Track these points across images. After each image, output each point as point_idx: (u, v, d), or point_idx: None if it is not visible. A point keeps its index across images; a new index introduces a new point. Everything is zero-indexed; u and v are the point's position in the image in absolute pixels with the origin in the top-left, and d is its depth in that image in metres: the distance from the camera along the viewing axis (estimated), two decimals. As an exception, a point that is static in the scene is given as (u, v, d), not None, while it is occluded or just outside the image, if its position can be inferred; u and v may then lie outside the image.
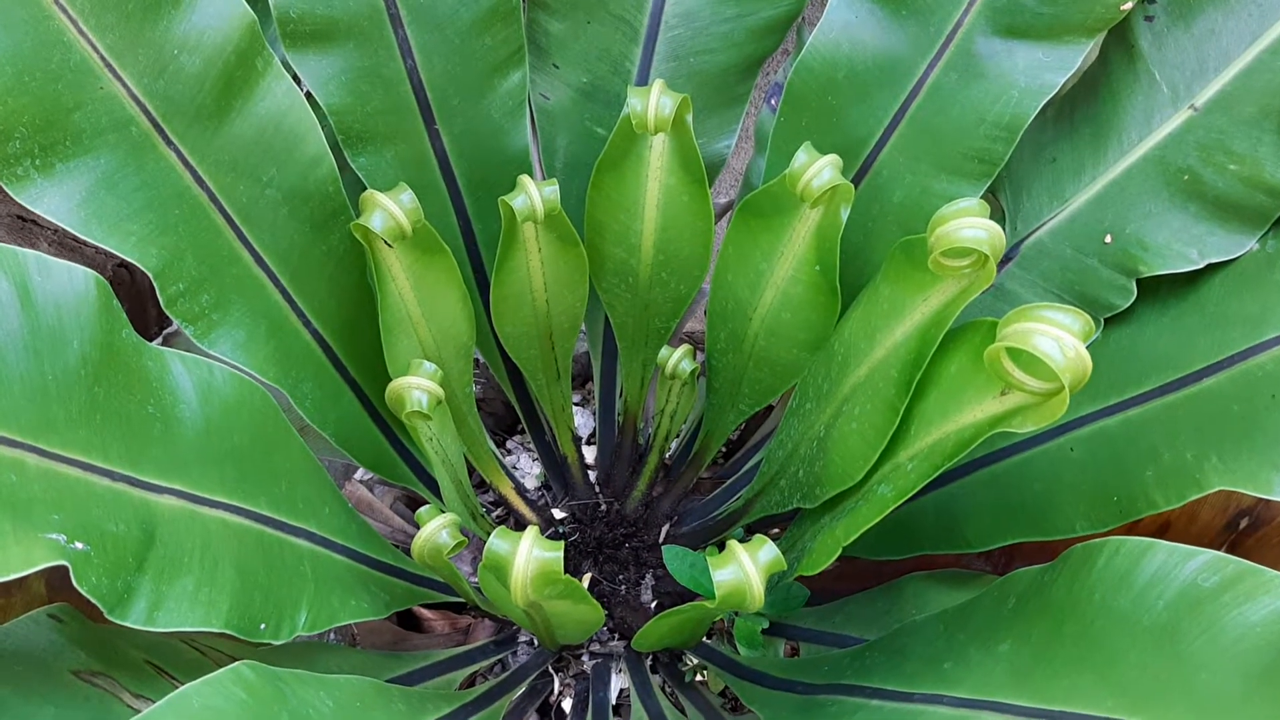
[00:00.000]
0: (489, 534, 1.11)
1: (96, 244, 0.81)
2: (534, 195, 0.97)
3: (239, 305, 0.90)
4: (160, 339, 1.18)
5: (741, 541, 0.80)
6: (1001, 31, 0.93)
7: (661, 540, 1.19)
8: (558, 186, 0.98)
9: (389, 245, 0.92)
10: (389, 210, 0.91)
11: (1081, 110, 0.97)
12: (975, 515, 0.95)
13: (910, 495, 0.76)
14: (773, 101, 1.14)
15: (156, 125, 0.84)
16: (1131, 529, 0.83)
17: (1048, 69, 0.92)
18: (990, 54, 0.93)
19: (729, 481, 1.22)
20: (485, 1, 0.98)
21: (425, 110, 1.01)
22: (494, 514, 1.25)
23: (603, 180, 1.03)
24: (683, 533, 1.20)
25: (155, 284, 0.84)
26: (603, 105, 1.09)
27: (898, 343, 0.87)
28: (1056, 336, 0.68)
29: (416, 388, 0.91)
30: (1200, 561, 0.69)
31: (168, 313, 0.85)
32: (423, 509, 0.92)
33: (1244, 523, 1.02)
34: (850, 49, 0.97)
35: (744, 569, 0.78)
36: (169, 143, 0.85)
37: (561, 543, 0.79)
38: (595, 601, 0.87)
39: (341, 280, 0.99)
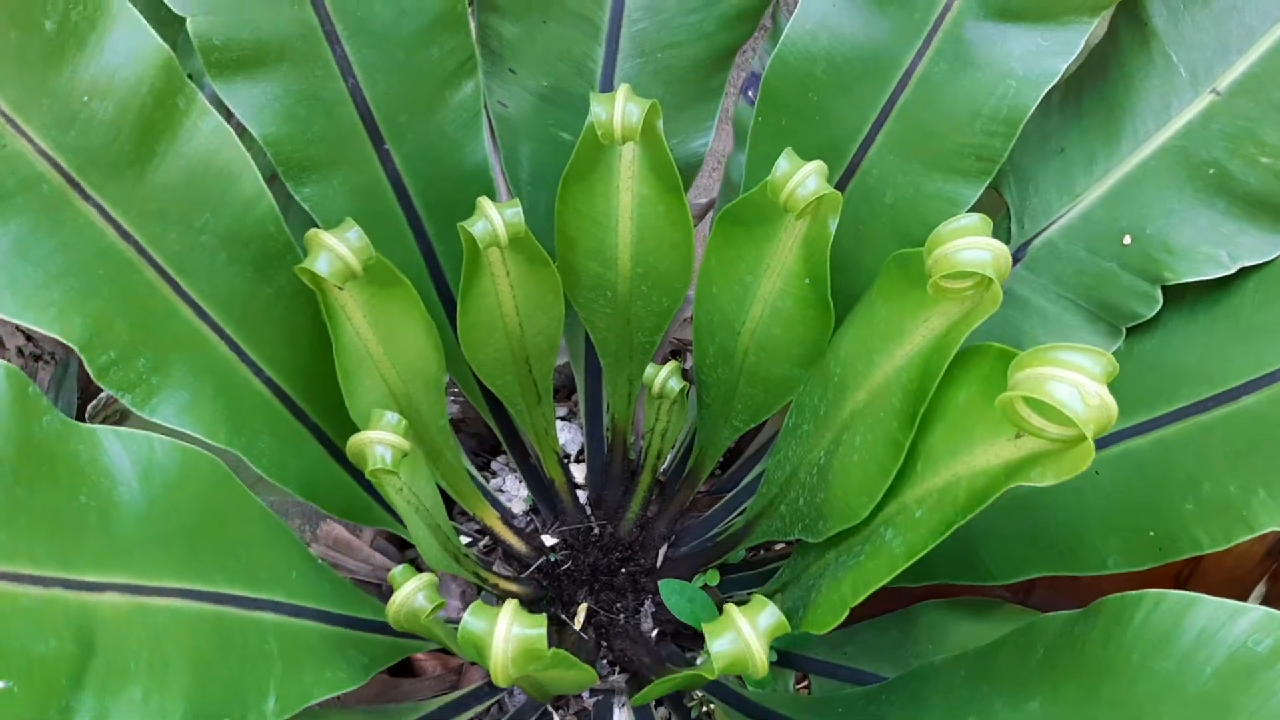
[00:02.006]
0: (474, 574, 1.06)
1: (11, 320, 0.73)
2: (495, 219, 0.89)
3: (180, 364, 0.83)
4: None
5: (734, 589, 0.73)
6: (994, 15, 0.84)
7: (659, 563, 1.13)
8: (520, 207, 0.90)
9: (339, 287, 0.85)
10: (335, 250, 0.83)
11: (1090, 94, 0.88)
12: (995, 543, 0.88)
13: (922, 553, 0.68)
14: (750, 93, 1.06)
15: (71, 180, 0.76)
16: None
17: (1048, 54, 0.83)
18: (983, 40, 0.85)
19: (727, 497, 1.15)
20: (429, 11, 0.90)
21: (372, 131, 0.93)
22: (480, 544, 1.19)
23: (570, 193, 0.95)
24: (681, 554, 1.13)
25: (82, 356, 0.76)
26: (566, 109, 1.01)
27: (898, 368, 0.79)
28: (1076, 383, 0.61)
29: (379, 443, 0.84)
30: (1251, 621, 0.62)
31: (99, 384, 0.78)
32: (395, 570, 0.86)
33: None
34: (829, 41, 0.89)
35: (743, 637, 0.72)
36: (86, 198, 0.77)
37: (543, 617, 0.73)
38: (587, 666, 0.80)
39: (294, 322, 0.92)
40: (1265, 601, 0.81)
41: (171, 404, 0.82)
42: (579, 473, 1.21)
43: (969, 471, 0.70)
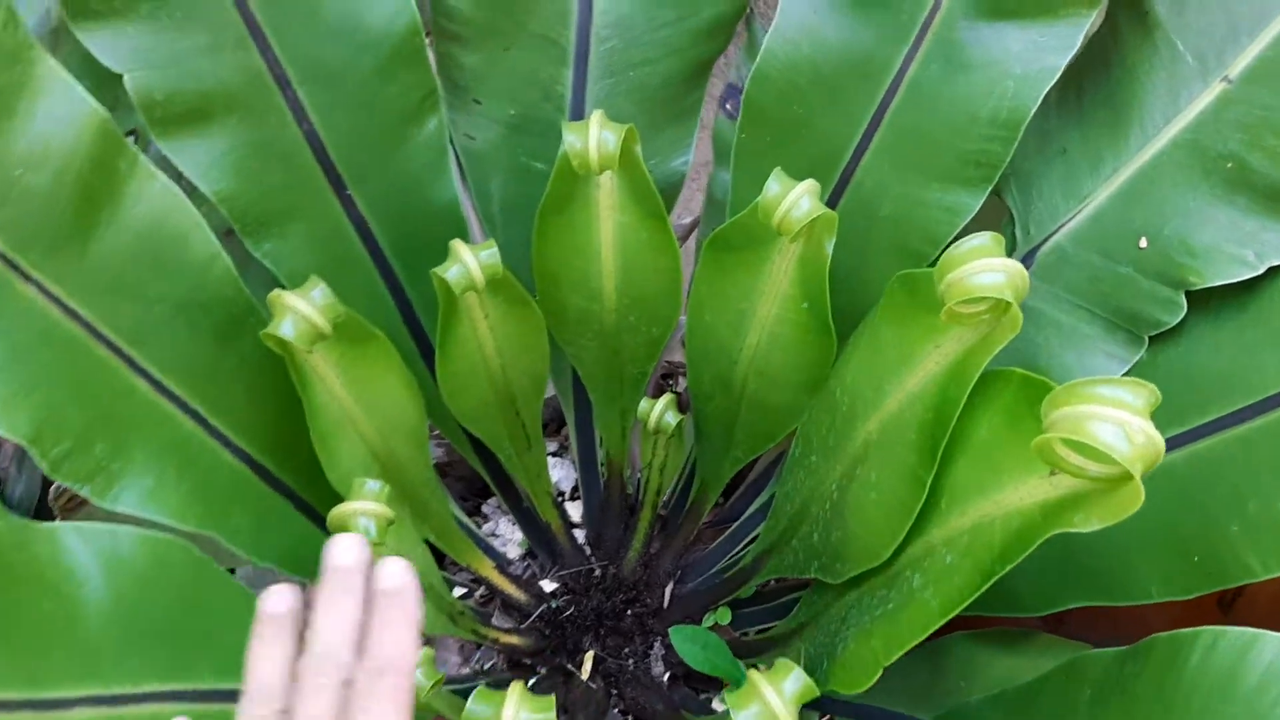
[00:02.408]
0: (472, 631, 1.00)
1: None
2: (470, 262, 0.83)
3: (142, 446, 0.77)
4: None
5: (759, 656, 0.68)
6: (986, 13, 0.79)
7: (666, 603, 1.07)
8: (496, 248, 0.84)
9: (308, 351, 0.79)
10: (300, 312, 0.77)
11: (1091, 90, 0.83)
12: (1027, 572, 0.82)
13: (959, 608, 0.63)
14: (728, 105, 1.00)
15: (8, 261, 0.70)
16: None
17: (1046, 51, 0.78)
18: (976, 40, 0.79)
19: (732, 528, 1.10)
20: (385, 46, 0.84)
21: (333, 177, 0.87)
22: (476, 594, 1.13)
23: (548, 226, 0.90)
24: (688, 591, 1.08)
25: (32, 453, 0.70)
26: (537, 137, 0.95)
27: (912, 396, 0.74)
28: (1118, 420, 0.56)
29: (362, 514, 0.78)
30: (1325, 656, 0.58)
31: (53, 478, 0.72)
32: (390, 647, 0.80)
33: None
34: (812, 49, 0.83)
35: (770, 708, 0.66)
36: (26, 278, 0.71)
37: (551, 699, 0.67)
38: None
39: (262, 387, 0.86)
40: None
41: (135, 490, 0.76)
42: (575, 511, 1.16)
43: (1001, 512, 0.64)
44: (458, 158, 0.95)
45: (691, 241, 1.09)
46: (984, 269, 0.66)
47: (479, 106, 0.94)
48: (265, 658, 0.51)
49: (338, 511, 0.79)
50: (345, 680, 0.49)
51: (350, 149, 0.86)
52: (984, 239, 0.67)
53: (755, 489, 1.12)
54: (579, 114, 0.95)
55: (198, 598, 0.77)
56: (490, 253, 0.85)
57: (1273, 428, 0.71)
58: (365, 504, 0.79)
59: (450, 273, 0.83)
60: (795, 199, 0.78)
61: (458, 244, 0.84)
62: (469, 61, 0.92)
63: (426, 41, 0.85)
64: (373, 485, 0.80)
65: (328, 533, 0.91)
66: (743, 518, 1.09)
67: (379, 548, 0.79)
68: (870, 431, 0.78)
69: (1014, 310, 0.66)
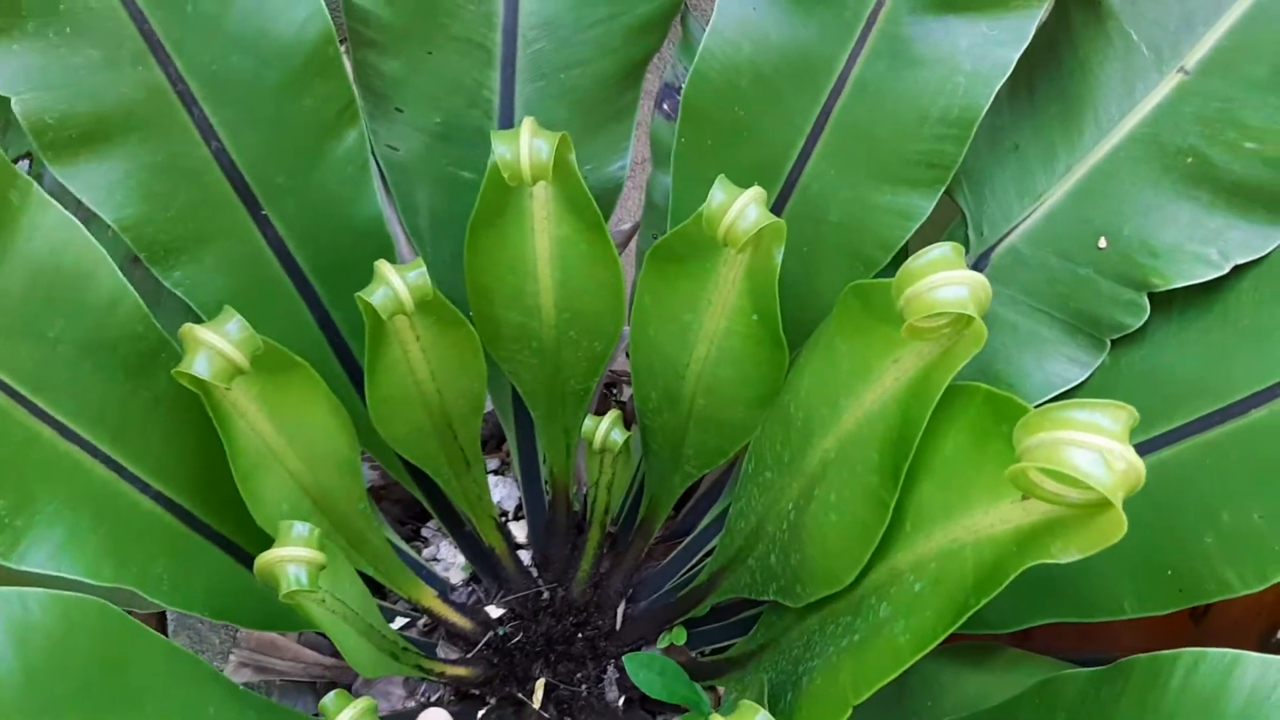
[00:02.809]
0: (416, 666, 0.95)
1: None
2: (397, 285, 0.78)
3: (49, 498, 0.71)
4: None
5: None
6: (933, 7, 0.75)
7: (619, 624, 1.03)
8: (424, 268, 0.80)
9: (225, 387, 0.74)
10: (215, 347, 0.72)
11: (1043, 83, 0.80)
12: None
13: (932, 645, 0.60)
14: (665, 105, 0.96)
15: (-114, 308, 0.64)
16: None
17: (997, 44, 0.74)
18: (923, 35, 0.76)
19: (685, 542, 1.06)
20: (297, 56, 0.78)
21: (246, 197, 0.81)
22: (419, 623, 1.08)
23: (480, 241, 0.85)
24: (641, 610, 1.04)
25: (-76, 516, 0.64)
26: (464, 145, 0.90)
27: (870, 413, 0.71)
28: (1096, 446, 0.52)
29: (291, 561, 0.73)
30: (1308, 677, 0.55)
31: (-50, 542, 0.66)
32: (326, 699, 0.76)
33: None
34: (752, 49, 0.79)
35: (737, 756, 0.63)
36: (-91, 326, 0.65)
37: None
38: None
39: (180, 425, 0.80)
40: None
41: (43, 547, 0.70)
42: (519, 531, 1.11)
43: (972, 538, 0.61)
44: (380, 170, 0.90)
45: (632, 247, 1.05)
46: (945, 282, 0.62)
47: (401, 115, 0.88)
48: None
49: (265, 560, 0.74)
50: None
51: (264, 167, 0.81)
52: (944, 250, 0.63)
53: (707, 501, 1.08)
54: (508, 119, 0.90)
55: (117, 657, 0.71)
56: (418, 273, 0.80)
57: (1243, 433, 0.68)
58: (295, 550, 0.74)
59: (375, 296, 0.78)
60: (741, 208, 0.74)
61: (383, 265, 0.79)
62: (388, 68, 0.86)
63: (342, 49, 0.80)
64: (301, 529, 0.75)
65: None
66: (695, 532, 1.05)
67: (311, 595, 0.74)
68: (828, 450, 0.75)
69: (977, 324, 0.62)
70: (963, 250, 0.63)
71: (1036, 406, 0.78)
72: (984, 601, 0.57)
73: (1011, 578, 0.56)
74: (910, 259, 0.64)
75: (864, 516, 0.70)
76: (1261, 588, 0.64)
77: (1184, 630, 0.70)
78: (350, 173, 0.84)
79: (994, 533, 0.60)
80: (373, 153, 0.88)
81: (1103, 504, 0.53)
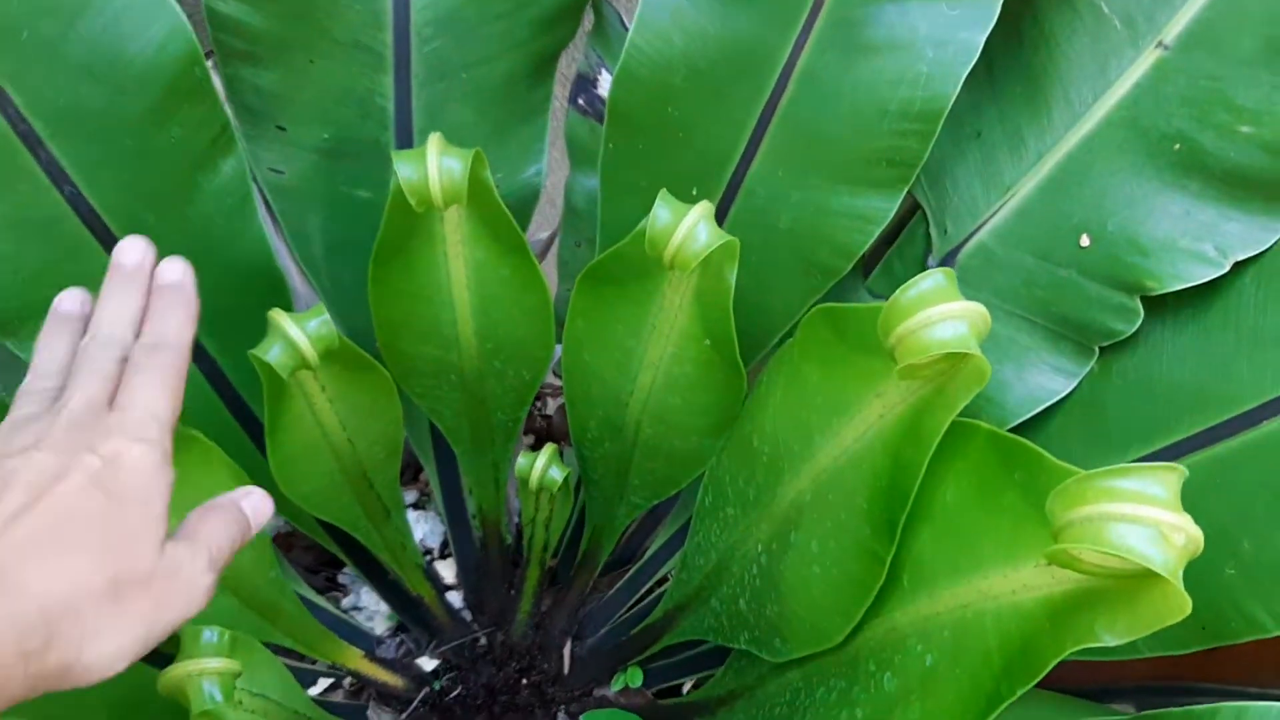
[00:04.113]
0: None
1: None
2: (297, 338, 0.68)
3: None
4: None
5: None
6: (887, -13, 0.67)
7: (567, 667, 0.95)
8: (327, 316, 0.69)
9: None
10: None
11: (1004, 63, 0.72)
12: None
13: (959, 734, 0.53)
14: (580, 100, 0.86)
15: None
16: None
17: (960, 26, 0.66)
18: (878, 19, 0.67)
19: (632, 570, 0.98)
20: (156, 82, 0.66)
21: (110, 244, 0.69)
22: (345, 683, 0.98)
23: (385, 272, 0.75)
24: (589, 649, 0.96)
25: None
26: (359, 161, 0.79)
27: (853, 454, 0.63)
28: (1152, 520, 0.45)
29: (203, 674, 0.63)
30: (1360, 731, 0.50)
31: None
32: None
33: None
34: (685, 42, 0.70)
35: None
36: None
37: None
38: None
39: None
40: None
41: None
42: (448, 571, 1.02)
43: (992, 607, 0.54)
44: (265, 198, 0.78)
45: (552, 255, 0.95)
46: (941, 318, 0.55)
47: (284, 134, 0.77)
48: (48, 346, 0.55)
49: (171, 676, 0.64)
50: (122, 358, 0.53)
51: (129, 209, 0.69)
52: (936, 280, 0.55)
53: (652, 522, 1.00)
54: (406, 128, 0.79)
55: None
56: (319, 322, 0.69)
57: (1256, 448, 0.62)
58: (204, 662, 0.64)
59: (272, 354, 0.68)
60: (690, 228, 0.65)
61: (278, 317, 0.68)
62: (265, 82, 0.75)
63: (210, 66, 0.68)
64: (210, 635, 0.65)
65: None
66: (643, 559, 0.97)
67: (227, 708, 0.64)
68: (801, 490, 0.67)
69: (977, 361, 0.55)
70: (954, 275, 0.56)
71: (1022, 423, 0.74)
72: (1020, 692, 0.50)
73: (1051, 665, 0.49)
74: (898, 291, 0.56)
75: (854, 571, 0.62)
76: (1298, 627, 0.58)
77: (1195, 655, 0.65)
78: (230, 205, 0.73)
79: (1018, 602, 0.53)
80: (254, 179, 0.76)
81: (1148, 574, 0.46)
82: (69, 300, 0.57)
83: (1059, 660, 0.49)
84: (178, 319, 0.55)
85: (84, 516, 0.46)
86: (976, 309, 0.55)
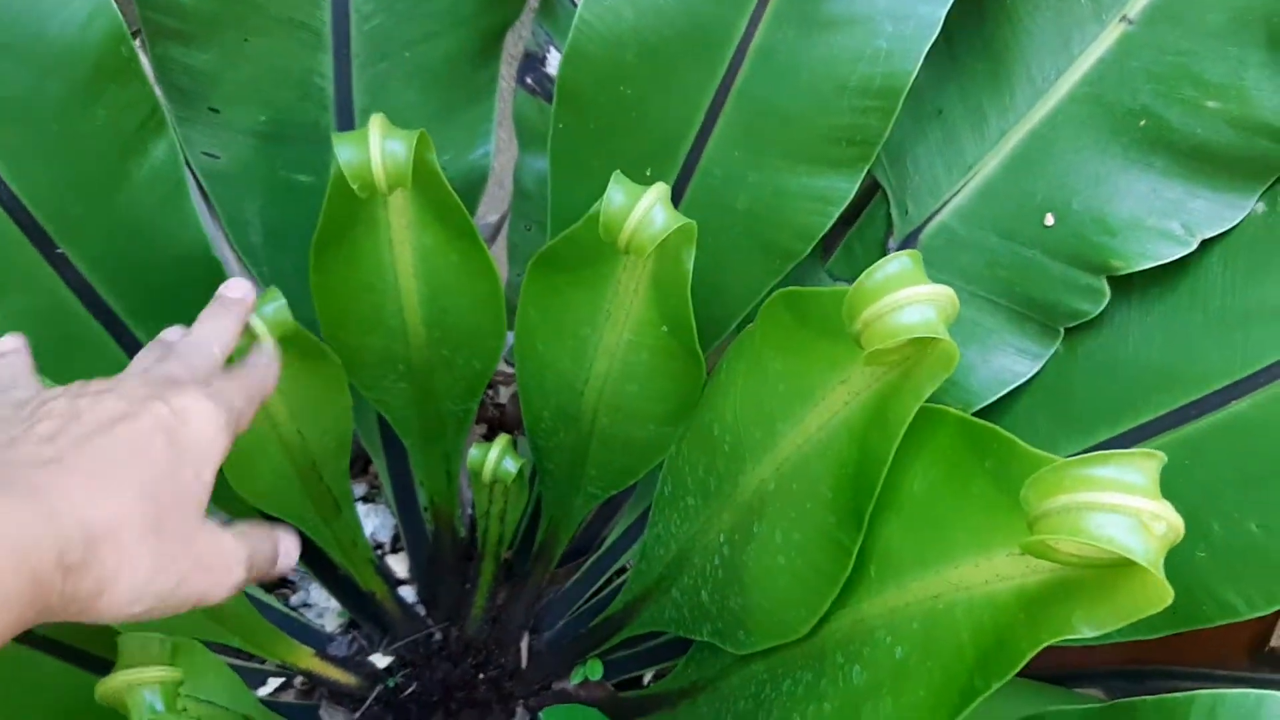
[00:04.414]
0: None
1: None
2: (253, 323, 0.65)
3: None
4: None
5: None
6: (846, -41, 0.65)
7: (525, 661, 0.93)
8: (283, 300, 0.66)
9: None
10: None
11: (965, 39, 0.70)
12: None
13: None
14: (528, 79, 0.83)
15: None
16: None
17: (921, 0, 0.64)
18: (837, -8, 0.65)
19: (590, 560, 0.96)
20: (80, 63, 0.62)
21: (37, 236, 0.66)
22: (296, 682, 0.95)
23: (327, 260, 0.72)
24: (547, 642, 0.94)
25: None
26: (298, 145, 0.76)
27: (817, 442, 0.62)
28: (1131, 509, 0.44)
29: (143, 684, 0.60)
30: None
31: None
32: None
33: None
34: (637, 17, 0.67)
35: None
36: None
37: None
38: None
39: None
40: None
41: None
42: (400, 566, 0.99)
43: (964, 598, 0.52)
44: (199, 183, 0.75)
45: (502, 239, 0.92)
46: (907, 301, 0.53)
47: (218, 116, 0.73)
48: (205, 322, 0.59)
49: (109, 686, 0.61)
50: (208, 366, 0.56)
51: (55, 197, 0.65)
52: (902, 263, 0.53)
53: (612, 508, 0.98)
54: (346, 110, 0.76)
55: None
56: (277, 306, 0.66)
57: (1224, 428, 0.61)
58: (144, 672, 0.61)
59: (219, 345, 0.65)
60: (646, 212, 0.63)
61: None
62: (198, 62, 0.71)
63: (137, 46, 0.65)
64: (150, 643, 0.62)
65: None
66: (601, 549, 0.95)
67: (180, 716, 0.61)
68: (764, 479, 0.65)
69: (945, 345, 0.53)
70: (920, 258, 0.54)
71: (987, 406, 0.73)
72: (995, 686, 0.49)
73: (1028, 658, 0.48)
74: (864, 275, 0.54)
75: (820, 562, 0.61)
76: (1271, 610, 0.57)
77: (1163, 639, 0.64)
78: (162, 192, 0.69)
79: (991, 592, 0.51)
80: (188, 164, 0.73)
81: (1134, 566, 0.45)
82: (235, 288, 0.61)
83: (1035, 653, 0.48)
84: (272, 367, 0.62)
85: (143, 457, 0.47)
86: (945, 292, 0.53)
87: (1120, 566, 0.45)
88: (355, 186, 0.65)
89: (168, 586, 0.47)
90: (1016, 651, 0.48)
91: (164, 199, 0.70)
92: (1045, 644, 0.47)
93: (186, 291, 0.71)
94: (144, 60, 0.66)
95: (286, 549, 0.58)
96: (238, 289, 0.61)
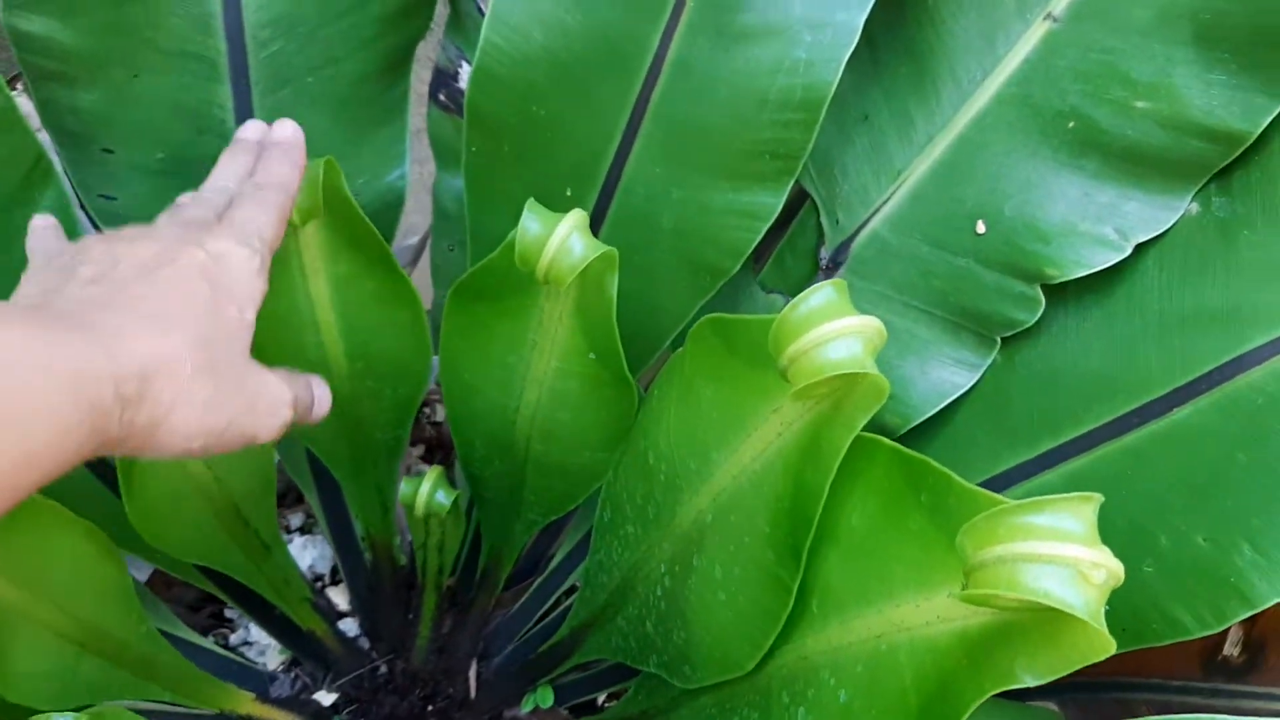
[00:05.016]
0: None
1: None
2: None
3: None
4: None
5: None
6: (758, -32, 0.62)
7: (474, 690, 0.91)
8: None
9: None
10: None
11: (888, 42, 0.68)
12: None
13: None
14: (441, 96, 0.80)
15: None
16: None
17: (839, 7, 0.61)
18: (750, 3, 0.62)
19: (536, 583, 0.93)
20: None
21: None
22: (239, 723, 0.92)
23: (239, 299, 0.68)
24: (496, 669, 0.91)
25: None
26: (200, 180, 0.72)
27: (752, 474, 0.60)
28: (1068, 559, 0.42)
29: (59, 768, 0.57)
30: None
31: None
32: None
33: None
34: (545, 36, 0.64)
35: None
36: None
37: None
38: None
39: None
40: (1244, 640, 0.68)
41: None
42: (340, 598, 0.96)
43: (906, 640, 0.51)
44: (96, 228, 0.71)
45: (425, 262, 0.89)
46: (833, 335, 0.51)
47: (112, 156, 0.70)
48: (224, 165, 0.61)
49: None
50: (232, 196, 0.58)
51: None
52: (826, 295, 0.51)
53: (556, 527, 0.95)
54: (251, 139, 0.73)
55: None
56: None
57: (1166, 437, 0.60)
58: (60, 753, 0.58)
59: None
60: (563, 240, 0.60)
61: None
62: (85, 103, 0.67)
63: (18, 91, 0.61)
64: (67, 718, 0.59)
65: None
66: (546, 572, 0.93)
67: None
68: (702, 510, 0.63)
69: (873, 379, 0.51)
70: (845, 288, 0.52)
71: (928, 420, 0.71)
72: (937, 728, 0.47)
73: (971, 709, 0.46)
74: (788, 308, 0.52)
75: (760, 598, 0.59)
76: (1220, 628, 0.56)
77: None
78: (54, 241, 0.66)
79: (932, 635, 0.49)
80: (83, 208, 0.69)
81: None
82: (251, 129, 0.63)
83: (979, 704, 0.46)
84: (286, 165, 0.60)
85: (188, 298, 0.49)
86: (871, 324, 0.51)
87: (1060, 615, 0.44)
88: (260, 225, 0.62)
89: (220, 424, 0.48)
90: (961, 702, 0.47)
91: (57, 248, 0.66)
92: (989, 694, 0.46)
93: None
94: (27, 105, 0.63)
95: (321, 396, 0.62)
96: (254, 130, 0.62)
